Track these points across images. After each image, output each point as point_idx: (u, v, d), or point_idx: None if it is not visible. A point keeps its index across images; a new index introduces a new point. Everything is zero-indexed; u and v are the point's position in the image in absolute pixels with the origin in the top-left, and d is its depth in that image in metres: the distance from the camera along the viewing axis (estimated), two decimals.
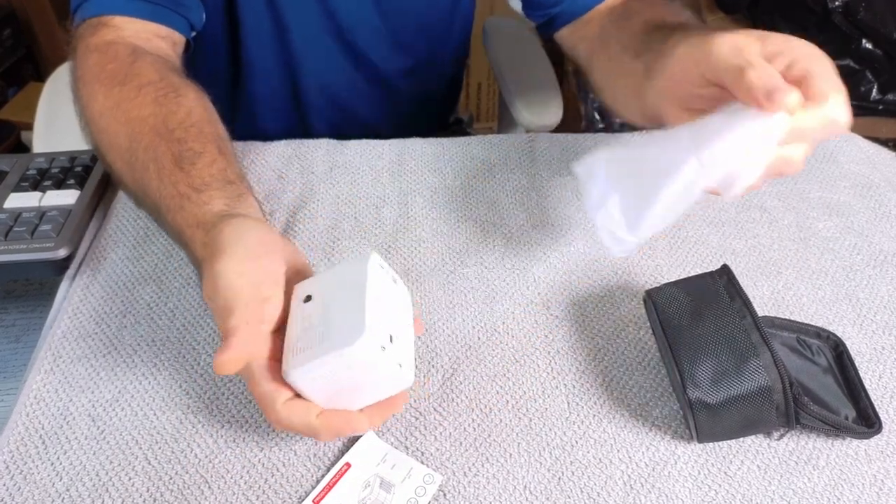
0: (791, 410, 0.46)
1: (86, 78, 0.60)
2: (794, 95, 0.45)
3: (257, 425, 0.50)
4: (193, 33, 0.71)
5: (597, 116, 1.59)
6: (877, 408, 0.49)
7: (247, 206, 0.52)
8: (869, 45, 1.25)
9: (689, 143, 0.47)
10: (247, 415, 0.51)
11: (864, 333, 0.56)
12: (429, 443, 0.49)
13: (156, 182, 0.53)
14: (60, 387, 0.52)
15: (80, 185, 0.66)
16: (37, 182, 0.66)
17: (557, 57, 1.61)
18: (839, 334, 0.54)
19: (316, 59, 0.83)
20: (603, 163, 0.52)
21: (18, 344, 0.63)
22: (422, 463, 0.48)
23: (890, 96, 1.27)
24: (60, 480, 0.47)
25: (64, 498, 0.46)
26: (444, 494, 0.46)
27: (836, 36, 1.27)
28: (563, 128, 0.91)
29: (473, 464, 0.48)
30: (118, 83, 0.58)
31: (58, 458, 0.48)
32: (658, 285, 0.53)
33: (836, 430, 0.48)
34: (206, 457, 0.48)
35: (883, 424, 0.48)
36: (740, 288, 0.50)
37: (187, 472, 0.47)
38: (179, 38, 0.69)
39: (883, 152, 0.75)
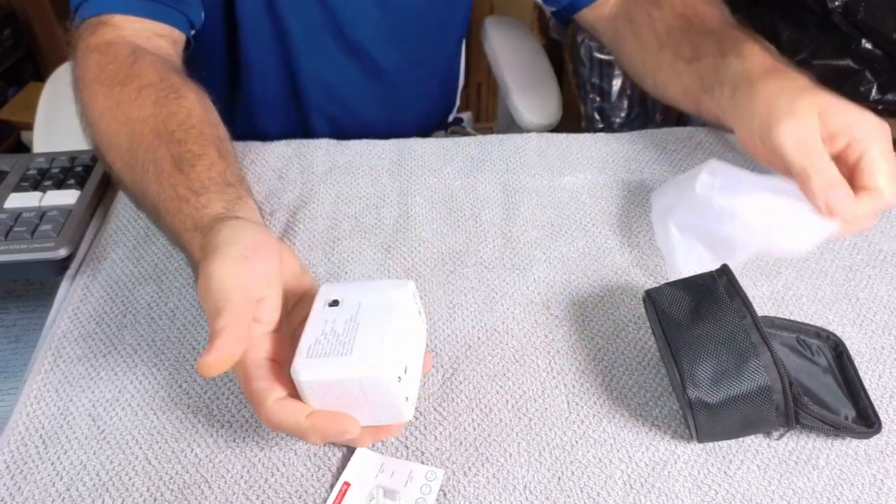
0: (791, 410, 0.46)
1: (86, 79, 0.60)
2: (850, 207, 0.52)
3: (257, 425, 0.50)
4: (193, 31, 0.71)
5: (596, 116, 1.60)
6: (876, 408, 0.49)
7: (246, 209, 0.52)
8: (868, 46, 1.25)
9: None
10: (247, 414, 0.51)
11: (863, 333, 0.56)
12: (429, 442, 0.49)
13: (155, 184, 0.53)
14: (61, 386, 0.52)
15: (81, 185, 0.66)
16: (37, 182, 0.66)
17: (557, 57, 1.62)
18: (839, 334, 0.54)
19: (315, 57, 0.83)
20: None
21: (19, 344, 0.63)
22: (421, 462, 0.48)
23: (889, 96, 1.27)
24: (61, 480, 0.47)
25: (64, 498, 0.46)
26: (445, 494, 0.46)
27: (835, 36, 1.27)
28: (562, 127, 0.91)
29: (473, 463, 0.48)
30: (119, 84, 0.58)
31: (58, 458, 0.48)
32: (658, 285, 0.53)
33: (836, 429, 0.48)
34: (206, 456, 0.48)
35: (882, 424, 0.48)
36: (740, 288, 0.50)
37: (187, 472, 0.47)
38: (179, 37, 0.69)
39: None
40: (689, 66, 0.67)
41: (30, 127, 1.03)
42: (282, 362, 0.45)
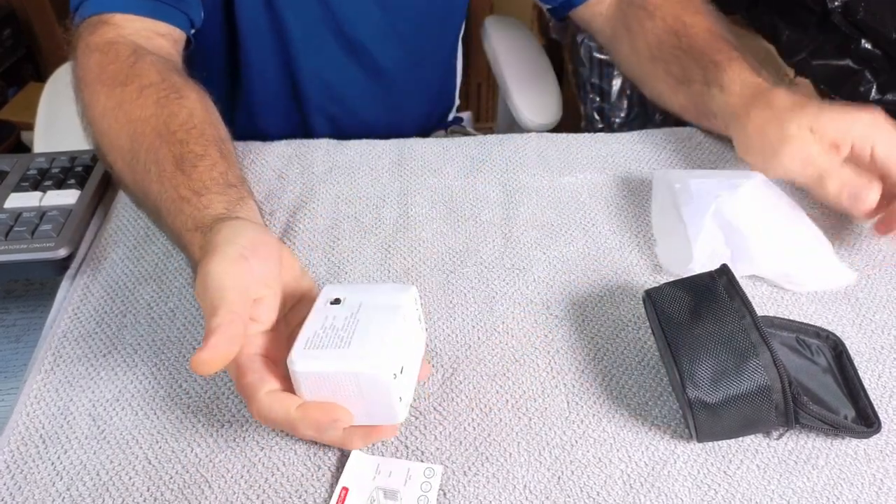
0: (790, 410, 0.46)
1: (87, 79, 0.60)
2: (871, 194, 0.55)
3: (257, 425, 0.50)
4: (193, 30, 0.71)
5: (596, 116, 1.60)
6: (876, 407, 0.49)
7: (247, 209, 0.52)
8: (868, 46, 1.25)
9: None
10: (247, 414, 0.51)
11: (863, 333, 0.56)
12: (428, 442, 0.49)
13: (156, 184, 0.53)
14: (61, 386, 0.52)
15: (81, 185, 0.66)
16: (37, 182, 0.66)
17: (557, 57, 1.62)
18: (838, 334, 0.54)
19: (315, 56, 0.83)
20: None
21: (19, 344, 0.63)
22: (419, 461, 0.48)
23: (889, 96, 1.27)
24: (61, 480, 0.47)
25: (64, 497, 0.46)
26: (444, 494, 0.46)
27: (835, 36, 1.27)
28: (562, 127, 0.91)
29: (473, 463, 0.48)
30: (120, 84, 0.58)
31: (58, 458, 0.48)
32: (657, 285, 0.54)
33: (836, 429, 0.48)
34: (207, 456, 0.48)
35: (882, 424, 0.48)
36: (739, 287, 0.50)
37: (188, 472, 0.47)
38: (180, 36, 0.69)
39: None
40: (681, 87, 0.71)
41: (30, 127, 1.03)
42: (276, 361, 0.45)
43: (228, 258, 0.44)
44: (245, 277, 0.44)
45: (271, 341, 0.46)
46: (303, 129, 0.89)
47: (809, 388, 0.50)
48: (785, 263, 0.58)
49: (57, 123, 0.98)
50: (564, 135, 0.77)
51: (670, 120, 0.76)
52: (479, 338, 0.56)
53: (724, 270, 0.52)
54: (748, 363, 0.46)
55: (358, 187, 0.70)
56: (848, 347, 0.53)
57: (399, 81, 0.90)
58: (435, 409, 0.51)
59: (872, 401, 0.49)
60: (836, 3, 1.26)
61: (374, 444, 0.49)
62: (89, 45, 0.62)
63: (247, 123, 0.88)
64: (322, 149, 0.74)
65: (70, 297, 0.59)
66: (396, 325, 0.44)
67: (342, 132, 0.81)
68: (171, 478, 0.47)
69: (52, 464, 0.48)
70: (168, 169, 0.53)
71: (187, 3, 0.69)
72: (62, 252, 0.60)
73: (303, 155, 0.73)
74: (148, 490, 0.46)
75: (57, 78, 1.03)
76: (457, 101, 1.09)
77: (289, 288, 0.48)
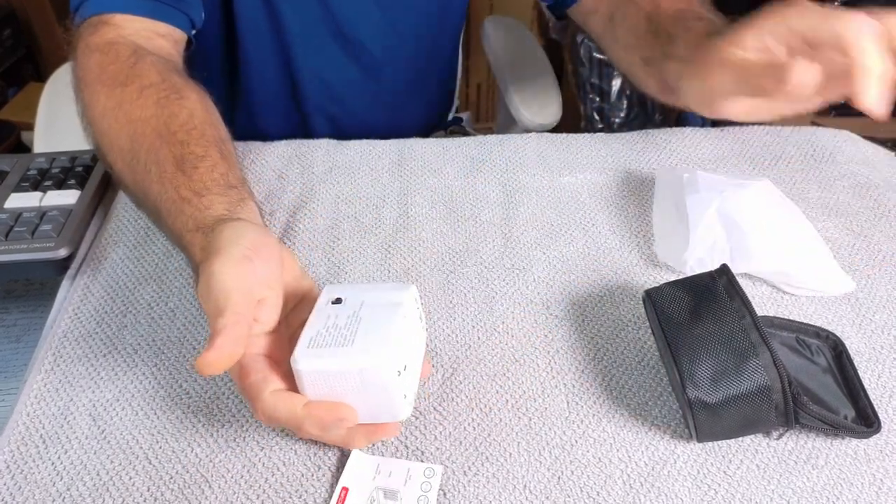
0: (790, 410, 0.46)
1: (87, 79, 0.60)
2: (802, 69, 0.48)
3: (257, 425, 0.50)
4: (194, 31, 0.71)
5: (595, 116, 1.60)
6: (876, 407, 0.49)
7: (247, 211, 0.52)
8: None
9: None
10: (247, 414, 0.51)
11: (863, 333, 0.56)
12: (428, 442, 0.49)
13: (157, 185, 0.53)
14: (61, 386, 0.53)
15: (81, 185, 0.66)
16: (37, 182, 0.66)
17: (557, 57, 1.62)
18: (838, 334, 0.54)
19: (314, 56, 0.83)
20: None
21: (19, 344, 0.63)
22: (419, 461, 0.48)
23: None
24: (61, 480, 0.47)
25: (65, 497, 0.46)
26: (444, 494, 0.46)
27: None
28: (562, 128, 0.91)
29: (473, 463, 0.48)
30: (120, 84, 0.58)
31: (58, 458, 0.48)
32: (657, 285, 0.54)
33: (836, 429, 0.48)
34: (207, 456, 0.48)
35: (882, 424, 0.48)
36: (739, 287, 0.50)
37: (188, 472, 0.47)
38: (180, 36, 0.69)
39: (881, 152, 0.75)
40: (649, 69, 0.68)
41: (30, 127, 1.03)
42: (279, 361, 0.45)
43: (232, 259, 0.44)
44: (249, 279, 0.44)
45: (273, 342, 0.46)
46: (303, 129, 0.89)
47: (809, 388, 0.50)
48: (784, 264, 0.58)
49: (57, 123, 0.98)
50: (564, 135, 0.77)
51: (670, 120, 0.76)
52: (479, 338, 0.56)
53: (724, 270, 0.52)
54: (748, 363, 0.46)
55: (358, 187, 0.70)
56: (848, 347, 0.53)
57: (399, 82, 0.90)
58: (435, 409, 0.51)
59: (872, 401, 0.49)
60: (836, 3, 1.26)
61: (374, 444, 0.49)
62: (89, 45, 0.62)
63: (247, 123, 0.88)
64: (322, 149, 0.74)
65: (70, 297, 0.59)
66: (399, 323, 0.44)
67: (342, 132, 0.81)
68: (171, 478, 0.47)
69: (52, 464, 0.48)
70: (168, 169, 0.53)
71: (188, 3, 0.69)
72: (62, 252, 0.60)
73: (303, 155, 0.73)
74: (148, 490, 0.46)
75: (57, 78, 1.03)
76: (456, 102, 1.09)
77: (289, 289, 0.48)
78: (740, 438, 0.49)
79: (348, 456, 0.48)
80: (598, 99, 1.58)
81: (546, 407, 0.51)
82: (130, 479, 0.47)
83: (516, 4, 1.75)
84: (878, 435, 0.48)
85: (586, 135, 0.77)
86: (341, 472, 0.47)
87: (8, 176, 0.67)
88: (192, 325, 0.57)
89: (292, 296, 0.49)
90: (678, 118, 1.51)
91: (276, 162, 0.72)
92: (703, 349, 0.47)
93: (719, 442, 0.49)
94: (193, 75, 0.63)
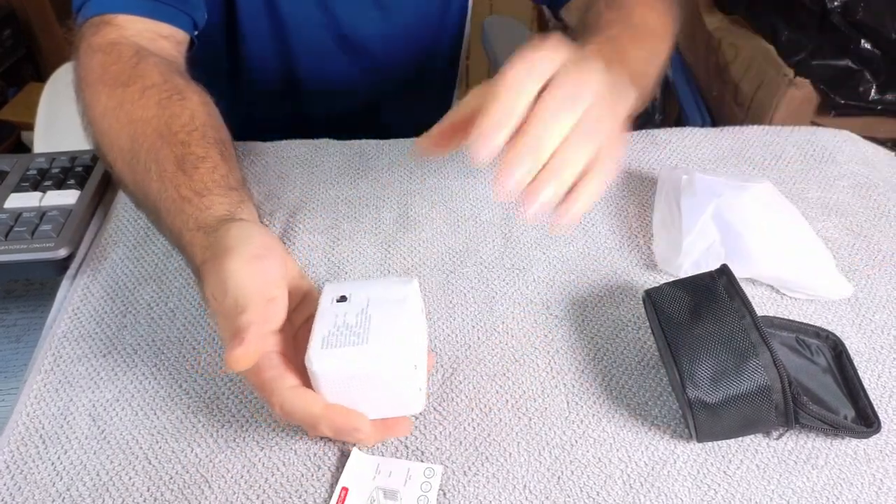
0: (790, 410, 0.46)
1: (89, 79, 0.60)
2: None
3: (257, 425, 0.50)
4: (196, 32, 0.71)
5: None
6: (876, 407, 0.49)
7: (248, 212, 0.52)
8: (868, 46, 1.26)
9: None
10: (247, 414, 0.51)
11: (863, 333, 0.56)
12: (428, 442, 0.49)
13: (157, 184, 0.53)
14: (61, 386, 0.52)
15: (81, 185, 0.66)
16: (37, 182, 0.66)
17: None
18: (838, 334, 0.54)
19: (314, 56, 0.83)
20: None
21: (19, 344, 0.63)
22: (419, 461, 0.48)
23: (888, 96, 1.27)
24: (61, 480, 0.47)
25: (64, 497, 0.46)
26: (444, 493, 0.46)
27: (834, 36, 1.27)
28: None
29: (473, 463, 0.48)
30: (121, 85, 0.58)
31: (58, 458, 0.48)
32: (657, 285, 0.54)
33: (835, 429, 0.48)
34: (207, 456, 0.48)
35: (882, 424, 0.48)
36: (739, 287, 0.50)
37: (188, 472, 0.47)
38: (183, 37, 0.69)
39: (881, 152, 0.75)
40: None
41: (30, 127, 1.03)
42: (290, 358, 0.46)
43: (245, 257, 0.45)
44: (261, 277, 0.45)
45: (282, 340, 0.46)
46: (303, 129, 0.89)
47: (809, 388, 0.50)
48: (782, 268, 0.58)
49: (57, 123, 0.98)
50: None
51: (670, 120, 0.76)
52: (479, 338, 0.56)
53: (724, 270, 0.52)
54: (748, 363, 0.46)
55: (358, 187, 0.70)
56: (848, 347, 0.53)
57: (399, 82, 0.90)
58: (435, 409, 0.51)
59: (872, 401, 0.49)
60: (836, 4, 1.26)
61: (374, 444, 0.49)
62: (92, 45, 0.62)
63: (247, 123, 0.88)
64: (322, 149, 0.74)
65: (70, 297, 0.59)
66: (408, 318, 0.45)
67: (342, 132, 0.81)
68: (171, 478, 0.47)
69: (52, 464, 0.48)
70: (169, 169, 0.53)
71: (190, 4, 0.68)
72: (62, 252, 0.60)
73: (303, 155, 0.73)
74: (148, 490, 0.46)
75: (57, 78, 1.03)
76: (457, 102, 1.08)
77: (291, 288, 0.49)
78: (740, 438, 0.49)
79: (348, 456, 0.48)
80: None
81: (546, 407, 0.51)
82: (130, 479, 0.47)
83: (516, 4, 1.75)
84: (877, 435, 0.48)
85: None
86: (341, 472, 0.47)
87: (8, 176, 0.67)
88: (191, 325, 0.57)
89: (293, 296, 0.49)
90: (678, 118, 1.51)
91: (276, 162, 0.72)
92: (703, 349, 0.47)
93: (719, 442, 0.49)
94: (195, 76, 0.63)
